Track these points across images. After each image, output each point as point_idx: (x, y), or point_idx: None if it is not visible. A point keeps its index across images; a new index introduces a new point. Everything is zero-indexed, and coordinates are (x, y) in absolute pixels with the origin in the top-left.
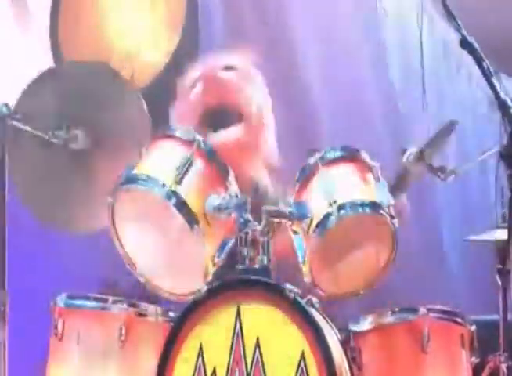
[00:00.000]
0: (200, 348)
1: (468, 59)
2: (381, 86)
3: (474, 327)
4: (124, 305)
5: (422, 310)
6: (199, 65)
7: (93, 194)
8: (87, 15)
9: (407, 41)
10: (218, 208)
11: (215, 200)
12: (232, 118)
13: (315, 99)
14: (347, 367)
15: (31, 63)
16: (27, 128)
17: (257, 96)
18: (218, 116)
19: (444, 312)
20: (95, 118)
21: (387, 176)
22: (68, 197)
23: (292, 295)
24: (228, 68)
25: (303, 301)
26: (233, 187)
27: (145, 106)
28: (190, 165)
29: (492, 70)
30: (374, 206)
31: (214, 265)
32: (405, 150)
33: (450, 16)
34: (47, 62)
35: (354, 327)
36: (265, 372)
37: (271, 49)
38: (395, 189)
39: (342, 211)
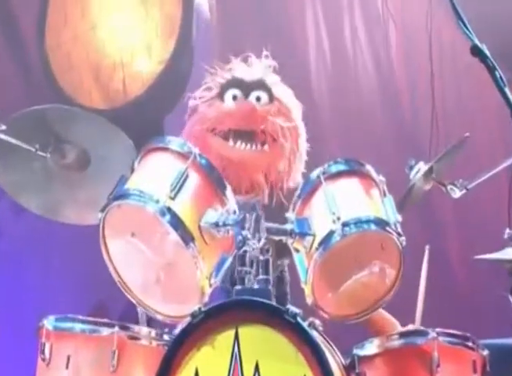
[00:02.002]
0: (196, 374)
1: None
2: (388, 96)
3: (486, 352)
4: (116, 328)
5: (431, 333)
6: (228, 73)
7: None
8: (76, 20)
9: (415, 47)
10: (215, 225)
11: (212, 216)
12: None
13: (319, 113)
14: None
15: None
16: (13, 141)
17: (288, 128)
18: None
19: (454, 335)
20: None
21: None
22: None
23: (293, 317)
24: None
25: (305, 324)
26: (231, 203)
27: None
28: (185, 179)
29: (504, 79)
30: (380, 223)
31: (210, 285)
32: (412, 166)
33: (461, 22)
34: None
35: (359, 351)
36: None
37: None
38: (402, 205)
39: (346, 228)
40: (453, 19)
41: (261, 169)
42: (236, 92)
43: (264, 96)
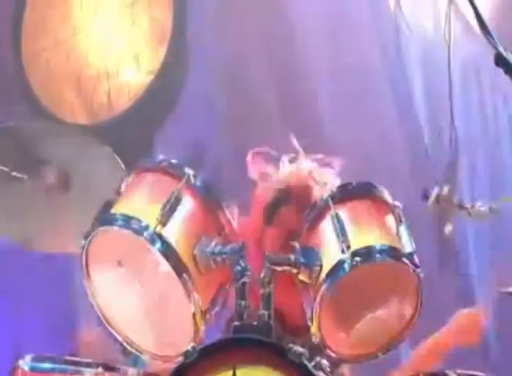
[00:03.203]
0: None
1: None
2: (405, 115)
3: None
4: (100, 369)
5: (451, 375)
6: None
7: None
8: (56, 25)
9: (432, 59)
10: (211, 254)
11: (207, 244)
12: None
13: (329, 130)
14: None
15: None
16: None
17: None
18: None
19: None
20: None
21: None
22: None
23: (297, 357)
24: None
25: (310, 365)
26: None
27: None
28: (178, 203)
29: None
30: (395, 253)
31: (205, 321)
32: (426, 195)
33: (484, 29)
34: None
35: None
36: None
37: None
38: None
39: (357, 259)
40: (474, 26)
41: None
42: None
43: None
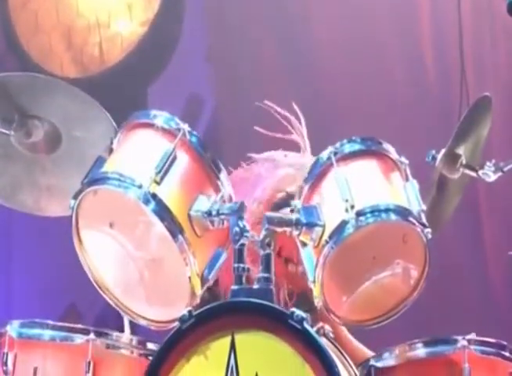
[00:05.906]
0: None
1: None
2: (411, 63)
3: None
4: (91, 335)
5: (461, 341)
6: None
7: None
8: None
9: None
10: (208, 214)
11: (204, 203)
12: None
13: (329, 79)
14: None
15: None
16: None
17: None
18: None
19: (488, 344)
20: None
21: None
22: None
23: (299, 323)
24: None
25: (313, 330)
26: (226, 188)
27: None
28: (173, 161)
29: None
30: (402, 212)
31: (202, 284)
32: (434, 156)
33: None
34: None
35: (376, 363)
36: None
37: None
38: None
39: (361, 218)
40: None
41: None
42: None
43: None
